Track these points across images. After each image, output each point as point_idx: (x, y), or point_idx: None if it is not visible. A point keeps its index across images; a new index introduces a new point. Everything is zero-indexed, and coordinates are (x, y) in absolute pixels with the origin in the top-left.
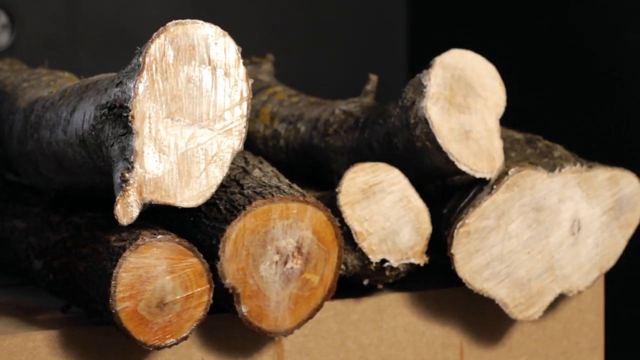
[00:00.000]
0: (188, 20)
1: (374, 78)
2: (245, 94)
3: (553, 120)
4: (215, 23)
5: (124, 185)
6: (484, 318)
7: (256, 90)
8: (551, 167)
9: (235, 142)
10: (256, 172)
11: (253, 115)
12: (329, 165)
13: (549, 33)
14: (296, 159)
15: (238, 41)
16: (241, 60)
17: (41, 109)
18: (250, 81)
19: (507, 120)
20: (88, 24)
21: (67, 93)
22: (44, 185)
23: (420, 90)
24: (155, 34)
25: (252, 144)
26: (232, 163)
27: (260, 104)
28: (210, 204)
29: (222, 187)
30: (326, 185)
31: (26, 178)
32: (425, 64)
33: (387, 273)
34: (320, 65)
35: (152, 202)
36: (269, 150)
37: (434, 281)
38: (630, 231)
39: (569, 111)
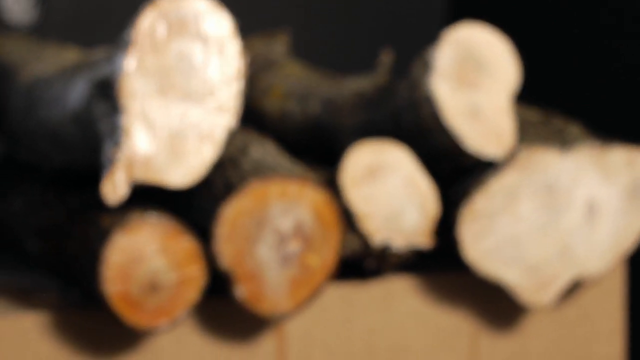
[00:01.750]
0: None
1: (386, 54)
2: (240, 70)
3: (572, 95)
4: None
5: (111, 163)
6: (498, 304)
7: (266, 66)
8: (565, 146)
9: (229, 119)
10: (257, 151)
11: (262, 93)
12: (339, 146)
13: (572, 5)
14: (306, 139)
15: (253, 15)
16: (236, 35)
17: (41, 85)
18: (248, 57)
19: (524, 96)
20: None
21: (66, 69)
22: (43, 164)
23: (427, 67)
24: (145, 7)
25: (261, 122)
26: (231, 142)
27: (270, 81)
28: (205, 182)
29: (218, 166)
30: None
31: (27, 156)
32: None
33: (391, 256)
34: (346, 37)
35: (141, 182)
36: (278, 130)
37: (444, 265)
38: None
39: (588, 86)
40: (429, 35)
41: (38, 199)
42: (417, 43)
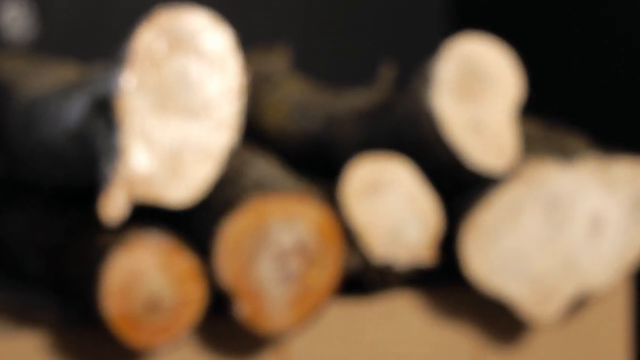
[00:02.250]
0: (178, 6)
1: (387, 67)
2: (241, 87)
3: (575, 105)
4: (223, 6)
5: (109, 182)
6: (500, 321)
7: (265, 82)
8: (568, 159)
9: (230, 136)
10: (257, 168)
11: (262, 110)
12: (340, 161)
13: (575, 14)
14: (307, 154)
15: (252, 27)
16: (237, 50)
17: (39, 103)
18: (249, 73)
19: (527, 107)
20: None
21: (64, 87)
22: (42, 183)
23: (428, 81)
24: (142, 22)
25: (261, 139)
26: (232, 158)
27: (270, 98)
28: (205, 200)
29: (219, 183)
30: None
31: (25, 174)
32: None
33: (393, 272)
34: (343, 46)
35: (140, 200)
36: (278, 146)
37: (446, 280)
38: None
39: (591, 96)
40: (428, 45)
41: (37, 217)
42: (416, 53)
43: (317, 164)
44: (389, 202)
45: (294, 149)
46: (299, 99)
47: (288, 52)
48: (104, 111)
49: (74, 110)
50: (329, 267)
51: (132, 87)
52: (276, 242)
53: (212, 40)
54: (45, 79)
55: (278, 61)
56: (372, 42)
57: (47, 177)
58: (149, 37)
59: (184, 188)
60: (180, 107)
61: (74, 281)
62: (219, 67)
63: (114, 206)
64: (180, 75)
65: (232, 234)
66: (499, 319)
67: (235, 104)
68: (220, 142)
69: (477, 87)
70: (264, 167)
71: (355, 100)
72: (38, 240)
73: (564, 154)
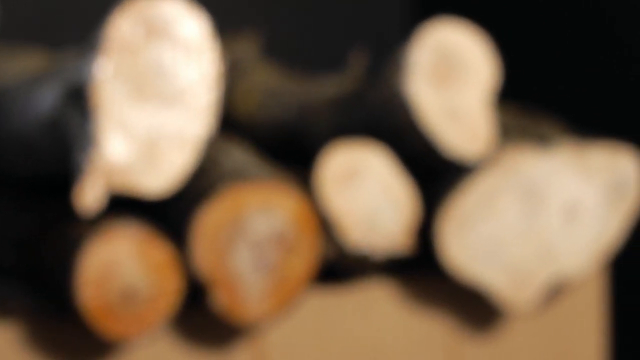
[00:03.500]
0: None
1: (358, 54)
2: (217, 75)
3: (551, 90)
4: None
5: (84, 172)
6: (476, 310)
7: (236, 70)
8: (544, 146)
9: (206, 125)
10: (232, 156)
11: (230, 97)
12: (314, 149)
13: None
14: (281, 143)
15: (217, 12)
16: (213, 38)
17: (9, 93)
18: (226, 61)
19: (504, 92)
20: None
21: (35, 76)
22: (14, 174)
23: (401, 66)
24: (116, 8)
25: (234, 128)
26: (208, 147)
27: (242, 87)
28: (182, 188)
29: (195, 172)
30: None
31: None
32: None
33: (368, 261)
34: (311, 31)
35: (116, 190)
36: (251, 135)
37: (422, 269)
38: (629, 214)
39: (569, 79)
40: (394, 29)
41: (8, 209)
42: (381, 37)
43: (290, 152)
44: (365, 190)
45: (267, 138)
46: (271, 87)
47: (257, 38)
48: (79, 100)
49: (47, 99)
50: (306, 256)
51: (108, 75)
52: (252, 231)
53: (189, 28)
54: (14, 68)
55: (247, 48)
56: (336, 27)
57: (19, 167)
58: (124, 25)
59: (160, 177)
60: (156, 95)
61: (48, 272)
62: (196, 55)
63: (89, 196)
64: (156, 63)
65: (207, 223)
66: (474, 308)
67: (212, 93)
68: (197, 131)
69: (451, 73)
70: (238, 155)
71: (327, 88)
72: (10, 231)
73: (540, 140)
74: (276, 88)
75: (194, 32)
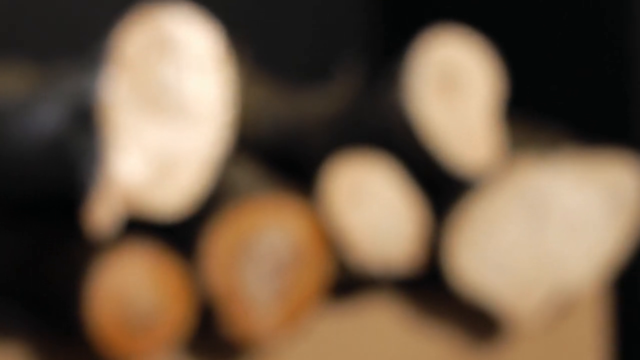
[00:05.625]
0: (163, 4)
1: (342, 63)
2: (233, 93)
3: (551, 95)
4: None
5: (93, 194)
6: (480, 330)
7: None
8: (545, 155)
9: (222, 144)
10: (240, 174)
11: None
12: (314, 167)
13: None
14: (276, 163)
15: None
16: (229, 55)
17: (4, 110)
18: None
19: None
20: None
21: (32, 94)
22: (16, 196)
23: (401, 81)
24: (123, 22)
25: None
26: (223, 167)
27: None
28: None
29: (210, 191)
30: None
31: None
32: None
33: (375, 279)
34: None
35: (126, 212)
36: (248, 151)
37: (429, 287)
38: (631, 224)
39: (568, 84)
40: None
41: (11, 232)
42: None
43: (287, 170)
44: (372, 207)
45: (263, 156)
46: (264, 105)
47: (248, 50)
48: (87, 120)
49: (50, 119)
50: (315, 273)
51: (118, 94)
52: (262, 250)
53: (203, 45)
54: (3, 83)
55: (242, 62)
56: (294, 31)
57: (20, 189)
58: (135, 40)
59: (173, 198)
60: (169, 114)
61: (54, 295)
62: (210, 73)
63: (99, 217)
64: (168, 81)
65: (218, 244)
66: (478, 327)
67: (227, 112)
68: (211, 151)
69: (453, 86)
70: (245, 172)
71: (320, 103)
72: (11, 254)
73: (542, 149)
74: (269, 106)
75: (209, 49)
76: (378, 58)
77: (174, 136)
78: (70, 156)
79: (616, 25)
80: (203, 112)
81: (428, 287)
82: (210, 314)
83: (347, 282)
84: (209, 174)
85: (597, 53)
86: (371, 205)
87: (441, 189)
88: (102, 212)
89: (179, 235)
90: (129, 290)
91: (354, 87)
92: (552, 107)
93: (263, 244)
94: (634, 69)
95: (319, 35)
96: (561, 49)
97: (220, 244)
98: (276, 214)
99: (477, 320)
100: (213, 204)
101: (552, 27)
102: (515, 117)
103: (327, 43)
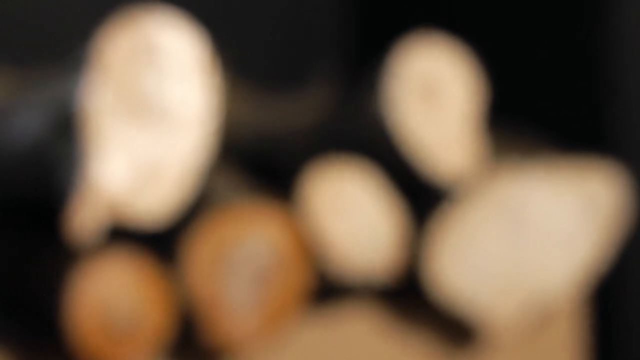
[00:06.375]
0: (146, 9)
1: (316, 70)
2: (218, 101)
3: (530, 103)
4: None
5: (73, 201)
6: (455, 337)
7: None
8: (521, 163)
9: (206, 153)
10: (221, 182)
11: None
12: (293, 177)
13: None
14: (257, 169)
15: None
16: (215, 63)
17: None
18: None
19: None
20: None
21: (9, 97)
22: None
23: (380, 91)
24: (106, 28)
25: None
26: (206, 176)
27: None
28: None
29: (193, 200)
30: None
31: None
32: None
33: (354, 289)
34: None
35: (108, 220)
36: (229, 158)
37: (408, 296)
38: (607, 232)
39: (548, 92)
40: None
41: None
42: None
43: (268, 175)
44: (352, 216)
45: (244, 164)
46: (245, 112)
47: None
48: (68, 127)
49: (30, 126)
50: (296, 282)
51: (102, 102)
52: (242, 260)
53: (187, 52)
54: None
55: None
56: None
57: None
58: (118, 46)
59: (156, 206)
60: (153, 122)
61: (33, 303)
62: (195, 81)
63: (81, 224)
64: (153, 90)
65: (199, 252)
66: (454, 334)
67: (210, 120)
68: (194, 159)
69: (430, 96)
70: (225, 180)
71: (301, 111)
72: None
73: (521, 158)
74: (249, 113)
75: (192, 55)
76: (352, 64)
77: (157, 143)
78: (50, 163)
79: (596, 34)
80: (186, 119)
81: (407, 296)
82: (191, 321)
83: (327, 290)
84: (192, 182)
85: (576, 62)
86: (351, 213)
87: (421, 197)
88: (83, 219)
89: (160, 242)
90: (111, 297)
91: (332, 95)
92: (531, 115)
93: (244, 252)
94: (611, 79)
95: (290, 42)
96: (540, 57)
97: (201, 252)
98: (257, 222)
99: (455, 329)
100: (194, 211)
101: (530, 34)
102: (494, 125)
103: (299, 49)
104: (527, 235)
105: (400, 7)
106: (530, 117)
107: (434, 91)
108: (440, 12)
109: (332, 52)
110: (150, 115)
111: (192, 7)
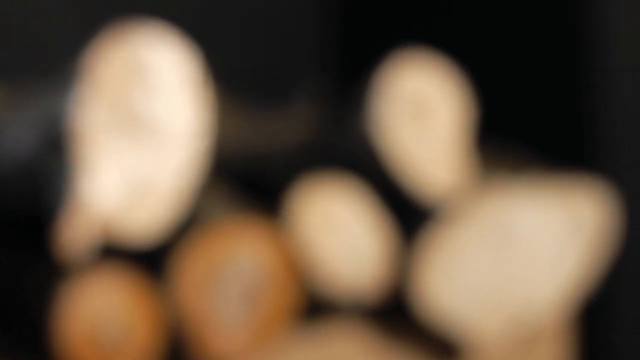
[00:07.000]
0: (136, 26)
1: (304, 87)
2: (211, 121)
3: (516, 121)
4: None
5: (65, 219)
6: (442, 355)
7: None
8: (508, 181)
9: (196, 172)
10: (209, 200)
11: None
12: (281, 195)
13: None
14: (245, 186)
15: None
16: (207, 83)
17: None
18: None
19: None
20: None
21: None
22: None
23: (367, 111)
24: (97, 44)
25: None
26: (196, 194)
27: None
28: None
29: (182, 218)
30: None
31: None
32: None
33: (342, 306)
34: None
35: (98, 236)
36: (218, 175)
37: (393, 313)
38: (593, 251)
39: (533, 111)
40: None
41: None
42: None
43: (257, 193)
44: (341, 235)
45: (233, 181)
46: (233, 129)
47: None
48: (59, 143)
49: (21, 142)
50: (284, 301)
51: (91, 117)
52: (231, 277)
53: (178, 70)
54: None
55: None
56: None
57: None
58: (109, 64)
59: (146, 223)
60: (144, 139)
61: (20, 317)
62: (186, 101)
63: (70, 240)
64: (142, 108)
65: (186, 270)
66: (441, 352)
67: (201, 138)
68: (184, 177)
69: (416, 115)
70: (214, 198)
71: (288, 128)
72: None
73: (508, 176)
74: (237, 130)
75: (183, 73)
76: (338, 81)
77: (147, 160)
78: (41, 178)
79: (582, 56)
80: (177, 136)
81: (395, 314)
82: (181, 338)
83: (315, 308)
84: (182, 199)
85: (562, 82)
86: (339, 231)
87: (409, 215)
88: (74, 235)
89: (150, 259)
90: (100, 313)
91: (319, 112)
92: (519, 134)
93: (233, 269)
94: (597, 99)
95: (276, 59)
96: (527, 77)
97: (191, 268)
98: (246, 240)
99: (442, 347)
100: (184, 228)
101: (517, 54)
102: (482, 144)
103: (285, 67)
104: (514, 253)
105: (386, 25)
106: (518, 135)
107: (423, 110)
108: (426, 30)
109: (317, 70)
110: (141, 132)
111: (178, 24)
